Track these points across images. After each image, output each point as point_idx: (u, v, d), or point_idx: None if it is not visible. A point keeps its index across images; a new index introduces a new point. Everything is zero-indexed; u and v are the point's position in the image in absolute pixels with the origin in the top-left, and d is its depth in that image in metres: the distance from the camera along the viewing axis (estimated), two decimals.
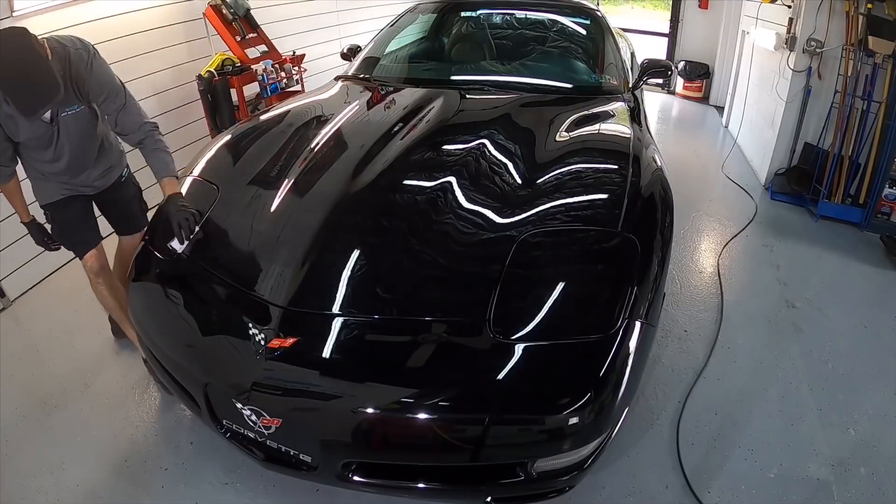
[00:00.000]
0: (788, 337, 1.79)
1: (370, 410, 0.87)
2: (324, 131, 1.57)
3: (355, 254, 1.10)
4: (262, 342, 0.96)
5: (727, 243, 2.38)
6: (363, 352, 0.96)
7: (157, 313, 1.15)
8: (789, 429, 1.42)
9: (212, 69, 2.65)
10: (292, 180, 1.35)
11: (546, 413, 0.87)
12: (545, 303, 0.97)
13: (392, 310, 1.01)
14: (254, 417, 0.96)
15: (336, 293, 1.03)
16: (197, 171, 1.50)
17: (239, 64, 2.83)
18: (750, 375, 1.62)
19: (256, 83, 3.09)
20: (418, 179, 1.30)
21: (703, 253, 2.34)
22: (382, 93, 1.86)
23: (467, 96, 1.76)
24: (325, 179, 1.34)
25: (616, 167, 1.30)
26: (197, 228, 1.26)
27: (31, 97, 1.06)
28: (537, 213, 1.14)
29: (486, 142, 1.40)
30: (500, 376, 0.88)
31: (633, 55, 2.61)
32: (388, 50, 2.20)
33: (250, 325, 1.00)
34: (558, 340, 0.93)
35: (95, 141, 1.41)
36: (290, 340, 0.95)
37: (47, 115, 1.22)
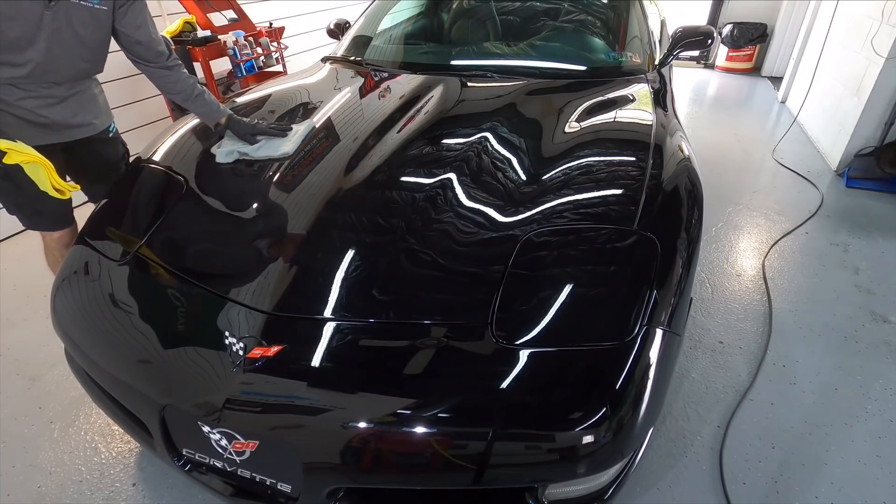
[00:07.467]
0: (879, 359, 1.72)
1: (362, 425, 0.93)
2: (312, 120, 1.69)
3: (349, 254, 1.19)
4: (241, 352, 1.01)
5: (776, 242, 2.39)
6: (356, 359, 1.02)
7: (101, 325, 1.15)
8: (890, 478, 1.34)
9: (167, 35, 2.63)
10: (277, 174, 1.46)
11: (555, 428, 0.91)
12: (551, 306, 1.04)
13: (388, 313, 1.08)
14: (224, 442, 1.00)
15: (328, 296, 1.11)
16: (157, 158, 1.57)
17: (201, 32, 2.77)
18: (821, 403, 1.57)
19: (227, 59, 3.10)
20: (416, 176, 1.41)
21: (742, 253, 2.34)
22: (376, 79, 1.99)
23: (469, 84, 1.88)
24: (314, 174, 1.45)
25: (633, 159, 1.39)
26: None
27: None
28: (542, 210, 1.23)
29: (489, 135, 1.52)
30: (504, 385, 0.94)
31: (663, 24, 2.66)
32: (380, 28, 2.33)
33: (227, 333, 1.05)
34: (567, 347, 0.99)
35: (89, 58, 1.39)
36: (275, 349, 1.01)
37: None
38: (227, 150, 1.54)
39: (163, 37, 1.53)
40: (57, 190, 1.34)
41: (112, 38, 1.45)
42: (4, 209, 1.50)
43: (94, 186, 1.64)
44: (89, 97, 1.51)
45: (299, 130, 1.61)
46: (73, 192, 1.45)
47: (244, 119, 1.60)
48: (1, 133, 1.26)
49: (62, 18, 1.29)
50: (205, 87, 1.62)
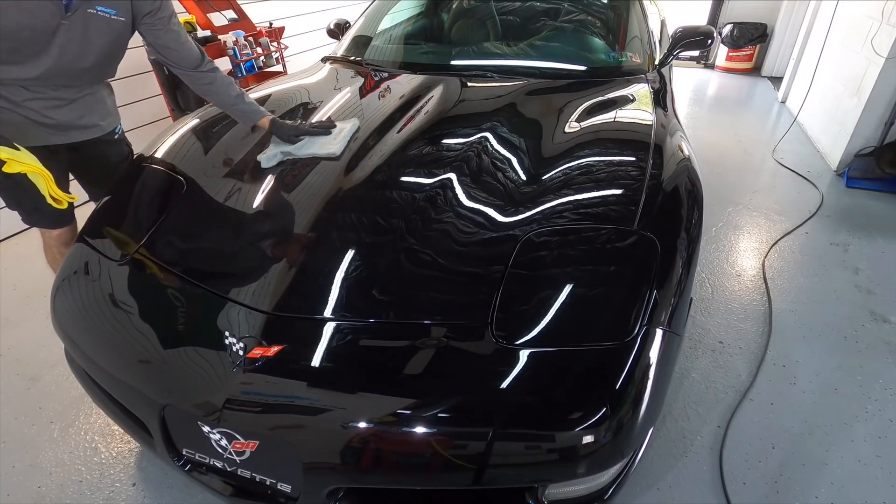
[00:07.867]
0: (879, 359, 1.73)
1: (362, 425, 0.93)
2: (313, 120, 1.69)
3: (349, 254, 1.19)
4: (241, 352, 1.01)
5: (776, 242, 2.40)
6: (356, 359, 1.03)
7: (101, 325, 1.15)
8: (890, 478, 1.35)
9: None
10: (277, 175, 1.46)
11: (555, 428, 0.91)
12: (551, 306, 1.04)
13: (388, 313, 1.08)
14: (224, 442, 1.00)
15: (328, 296, 1.11)
16: (158, 158, 1.57)
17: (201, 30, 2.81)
18: (821, 403, 1.58)
19: (227, 58, 3.12)
20: (416, 176, 1.41)
21: (742, 253, 2.35)
22: (376, 79, 1.99)
23: (469, 84, 1.89)
24: (314, 174, 1.45)
25: (633, 158, 1.40)
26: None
27: None
28: (542, 210, 1.24)
29: (489, 135, 1.52)
30: (504, 385, 0.95)
31: (663, 24, 2.67)
32: (380, 28, 2.33)
33: (227, 333, 1.05)
34: (567, 347, 0.99)
35: (102, 64, 1.37)
36: (275, 349, 1.01)
37: None
38: (271, 154, 1.52)
39: (195, 41, 1.52)
40: (55, 199, 1.35)
41: (144, 43, 1.46)
42: (6, 206, 1.51)
43: (98, 187, 1.64)
44: (98, 99, 1.52)
45: (345, 129, 1.59)
46: (74, 190, 1.44)
47: (287, 122, 1.59)
48: (2, 139, 1.26)
49: (78, 28, 1.29)
50: (243, 90, 1.61)
